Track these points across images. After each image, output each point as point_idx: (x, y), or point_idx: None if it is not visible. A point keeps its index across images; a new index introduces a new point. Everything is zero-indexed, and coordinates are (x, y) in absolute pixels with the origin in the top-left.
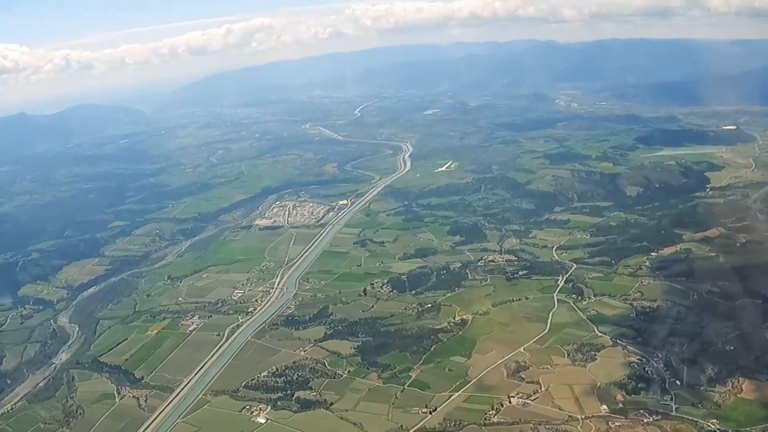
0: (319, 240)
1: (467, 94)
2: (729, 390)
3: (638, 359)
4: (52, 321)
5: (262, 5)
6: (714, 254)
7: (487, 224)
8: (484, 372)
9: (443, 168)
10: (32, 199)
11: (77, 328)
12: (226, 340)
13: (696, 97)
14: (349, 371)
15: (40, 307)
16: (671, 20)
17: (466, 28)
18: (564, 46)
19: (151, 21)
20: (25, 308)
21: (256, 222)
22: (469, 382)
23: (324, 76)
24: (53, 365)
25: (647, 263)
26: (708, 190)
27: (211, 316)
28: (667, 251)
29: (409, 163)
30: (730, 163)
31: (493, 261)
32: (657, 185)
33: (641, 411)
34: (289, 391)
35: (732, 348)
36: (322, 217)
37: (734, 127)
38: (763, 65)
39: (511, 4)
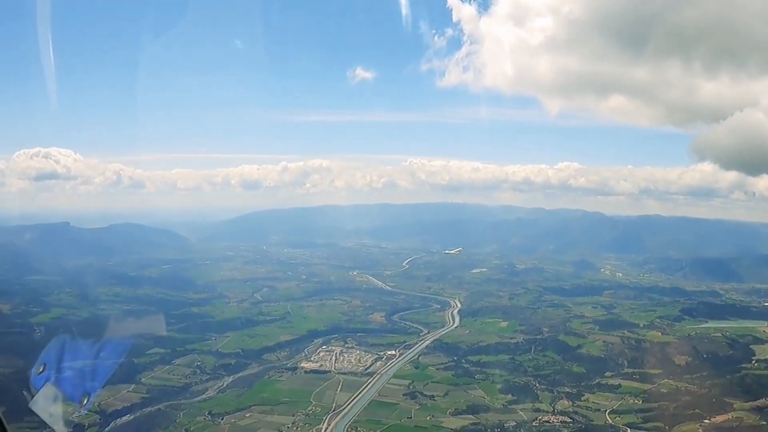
0: (367, 389)
1: (515, 256)
2: None
3: None
4: None
5: (320, 148)
6: (765, 423)
7: (538, 385)
8: None
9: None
10: (68, 313)
11: None
12: None
13: (736, 274)
14: None
15: (70, 430)
16: (713, 201)
17: (515, 192)
18: (609, 218)
19: (208, 148)
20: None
21: (302, 364)
22: None
23: (373, 224)
24: None
25: (700, 430)
26: (754, 362)
27: None
28: (719, 419)
29: (457, 319)
30: None
31: (547, 422)
32: (705, 355)
33: None
34: None
35: None
36: (370, 366)
37: None
38: None
39: (564, 174)
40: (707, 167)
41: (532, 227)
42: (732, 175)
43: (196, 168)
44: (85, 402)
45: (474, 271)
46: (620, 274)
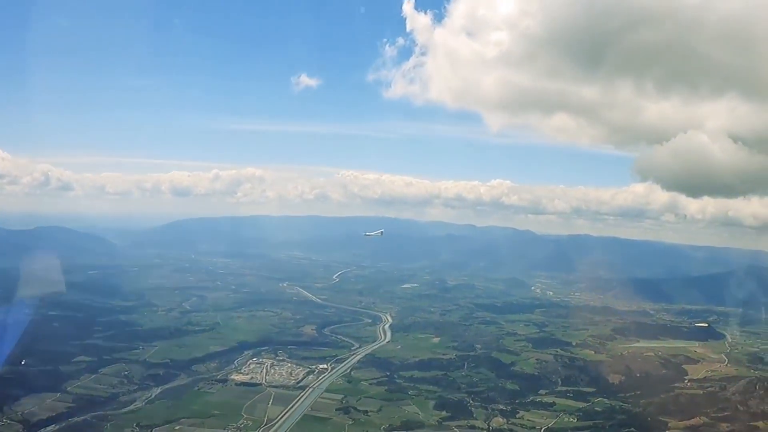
0: (299, 402)
1: (445, 272)
2: None
3: None
4: None
5: (254, 156)
6: None
7: (472, 402)
8: None
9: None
10: None
11: None
12: None
13: (666, 295)
14: None
15: None
16: (643, 222)
17: (447, 209)
18: (540, 237)
19: (139, 152)
20: None
21: (233, 376)
22: None
23: (304, 236)
24: None
25: None
26: (687, 381)
27: None
28: None
29: (389, 334)
30: (704, 358)
31: None
32: (638, 374)
33: None
34: None
35: None
36: (302, 379)
37: (706, 324)
38: (726, 270)
39: (496, 191)
40: (639, 188)
41: (462, 244)
42: (664, 198)
43: (125, 172)
44: None
45: (405, 286)
46: (551, 293)
